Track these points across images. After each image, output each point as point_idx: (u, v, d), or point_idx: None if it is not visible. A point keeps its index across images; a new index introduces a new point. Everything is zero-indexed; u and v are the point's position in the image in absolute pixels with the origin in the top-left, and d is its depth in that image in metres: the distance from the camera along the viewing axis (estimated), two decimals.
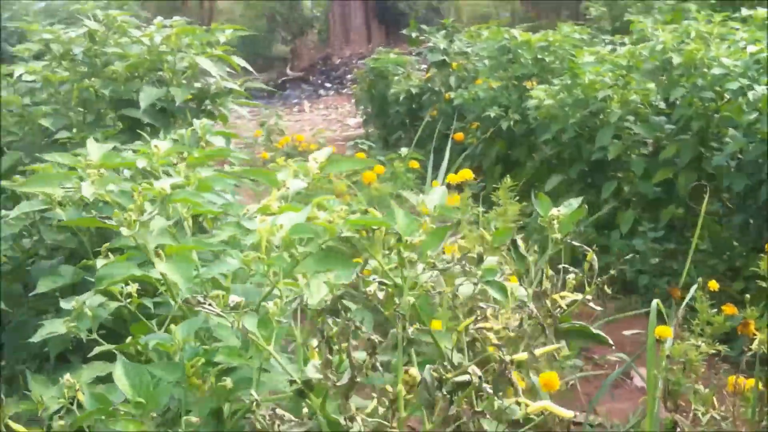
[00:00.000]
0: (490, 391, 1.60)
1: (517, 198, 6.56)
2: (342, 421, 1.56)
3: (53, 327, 2.11)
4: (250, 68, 4.17)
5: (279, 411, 1.56)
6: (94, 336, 2.08)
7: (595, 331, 1.90)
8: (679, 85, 5.12)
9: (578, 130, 5.71)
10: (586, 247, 2.00)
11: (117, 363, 1.74)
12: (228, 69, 4.03)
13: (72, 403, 1.81)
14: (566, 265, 1.97)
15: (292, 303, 1.68)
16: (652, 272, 4.83)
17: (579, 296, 1.91)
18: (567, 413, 1.66)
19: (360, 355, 1.60)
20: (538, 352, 1.75)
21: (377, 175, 5.49)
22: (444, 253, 2.01)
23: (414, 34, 8.94)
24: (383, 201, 5.12)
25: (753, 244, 4.51)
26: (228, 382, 1.70)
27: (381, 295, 1.63)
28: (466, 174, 4.00)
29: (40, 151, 3.17)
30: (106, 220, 1.77)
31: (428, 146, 7.13)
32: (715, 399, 2.88)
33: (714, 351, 3.13)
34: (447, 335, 1.89)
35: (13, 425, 1.85)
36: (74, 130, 3.60)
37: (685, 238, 4.93)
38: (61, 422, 1.80)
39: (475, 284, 2.04)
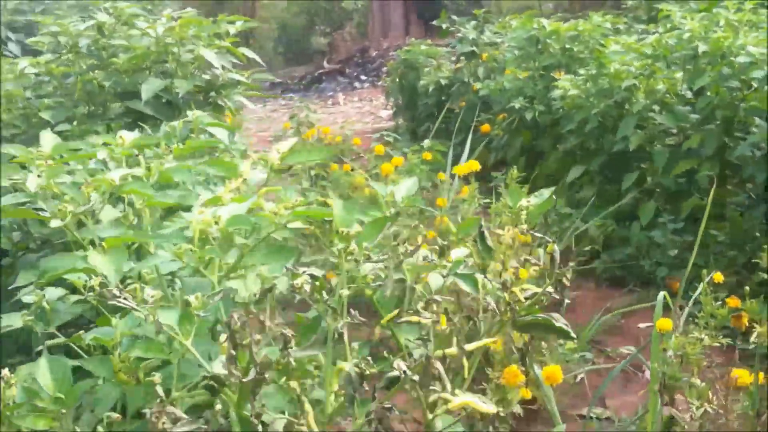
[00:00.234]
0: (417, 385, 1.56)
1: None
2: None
3: (10, 320, 2.11)
4: (259, 60, 4.17)
5: (170, 408, 1.53)
6: (52, 330, 2.07)
7: (558, 324, 1.85)
8: (704, 74, 4.99)
9: (601, 120, 5.61)
10: (548, 238, 1.95)
11: (41, 358, 1.73)
12: (234, 60, 4.02)
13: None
14: (529, 257, 1.92)
15: (214, 297, 1.65)
16: (671, 264, 4.73)
17: (539, 289, 1.86)
18: (488, 409, 1.61)
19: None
20: (468, 347, 1.71)
21: (395, 167, 5.48)
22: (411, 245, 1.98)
23: (444, 26, 8.87)
24: None
25: None
26: (157, 377, 1.68)
27: (308, 288, 1.60)
28: (473, 165, 3.95)
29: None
30: (40, 212, 1.78)
31: (457, 138, 7.09)
32: (712, 393, 2.81)
33: (718, 344, 3.05)
34: (412, 328, 1.86)
35: None
36: (75, 123, 3.63)
37: (707, 230, 4.81)
38: None
39: (444, 276, 2.01)
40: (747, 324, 2.78)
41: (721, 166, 4.86)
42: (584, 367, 4.03)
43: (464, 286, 1.98)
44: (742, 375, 2.88)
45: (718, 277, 3.13)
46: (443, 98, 8.47)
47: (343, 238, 1.63)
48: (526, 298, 1.81)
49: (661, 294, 3.49)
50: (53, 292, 2.09)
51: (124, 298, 1.61)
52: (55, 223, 1.75)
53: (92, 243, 1.89)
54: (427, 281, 2.03)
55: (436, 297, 1.77)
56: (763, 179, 4.38)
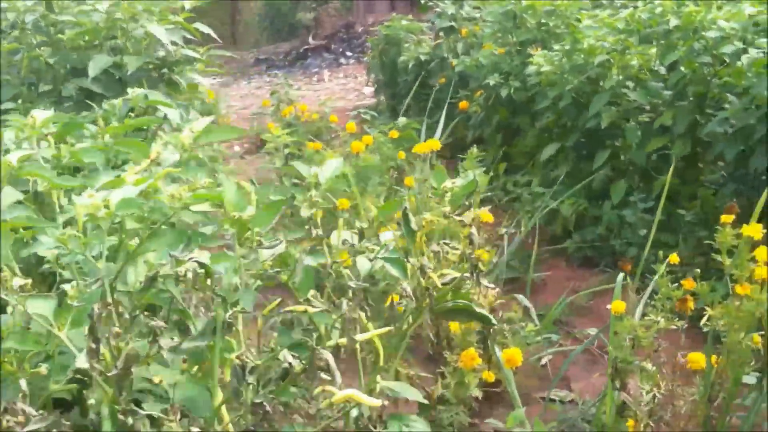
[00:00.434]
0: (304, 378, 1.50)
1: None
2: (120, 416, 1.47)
3: None
4: (215, 35, 4.06)
5: (19, 405, 1.47)
6: None
7: (478, 310, 1.78)
8: (676, 50, 4.89)
9: (575, 97, 5.51)
10: (464, 220, 1.87)
11: None
12: (189, 36, 3.91)
13: None
14: (446, 241, 1.85)
15: (93, 285, 1.58)
16: (641, 244, 4.65)
17: (457, 274, 1.79)
18: (372, 402, 1.55)
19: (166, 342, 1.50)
20: (358, 337, 1.63)
21: (366, 146, 5.40)
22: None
23: (423, 0, 8.73)
24: (367, 172, 5.04)
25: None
26: (43, 368, 1.61)
27: (190, 276, 1.52)
28: (433, 144, 3.87)
29: None
30: None
31: (435, 115, 6.98)
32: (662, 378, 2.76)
33: (675, 327, 3.00)
34: (326, 315, 1.78)
35: None
36: (19, 101, 3.54)
37: (678, 209, 4.74)
38: None
39: (371, 260, 1.94)
40: (692, 308, 2.71)
41: (692, 144, 4.78)
42: (548, 350, 3.99)
43: (392, 271, 1.91)
44: (696, 359, 2.82)
45: (674, 258, 3.06)
46: (423, 74, 8.34)
47: (235, 223, 1.56)
48: (444, 284, 1.74)
49: (620, 276, 3.43)
50: None
51: None
52: None
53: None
54: (354, 266, 1.96)
55: (350, 283, 1.70)
56: (732, 157, 4.30)
